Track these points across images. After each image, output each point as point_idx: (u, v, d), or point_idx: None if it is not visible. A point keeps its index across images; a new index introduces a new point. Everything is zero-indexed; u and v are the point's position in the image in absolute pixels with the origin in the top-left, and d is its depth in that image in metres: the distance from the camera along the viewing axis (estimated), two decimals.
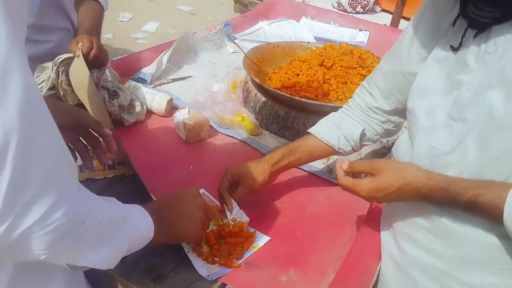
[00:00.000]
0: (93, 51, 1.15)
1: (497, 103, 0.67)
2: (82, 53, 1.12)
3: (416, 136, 0.81)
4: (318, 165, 1.21)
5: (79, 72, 1.11)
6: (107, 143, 0.87)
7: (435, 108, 0.78)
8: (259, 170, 0.98)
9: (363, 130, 1.01)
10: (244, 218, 0.94)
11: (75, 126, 0.84)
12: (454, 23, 0.78)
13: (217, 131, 1.31)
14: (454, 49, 0.76)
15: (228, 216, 0.94)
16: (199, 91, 1.43)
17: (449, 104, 0.75)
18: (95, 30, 1.29)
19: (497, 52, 0.69)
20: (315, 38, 1.95)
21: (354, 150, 1.05)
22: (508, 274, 0.71)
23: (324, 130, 1.04)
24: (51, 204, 0.47)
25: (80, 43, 1.13)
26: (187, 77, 1.59)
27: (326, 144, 1.02)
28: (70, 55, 1.15)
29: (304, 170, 1.19)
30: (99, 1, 1.41)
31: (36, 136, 0.45)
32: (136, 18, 4.65)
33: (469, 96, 0.72)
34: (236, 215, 0.94)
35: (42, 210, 0.46)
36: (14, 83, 0.42)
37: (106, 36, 3.99)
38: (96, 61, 1.17)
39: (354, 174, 0.84)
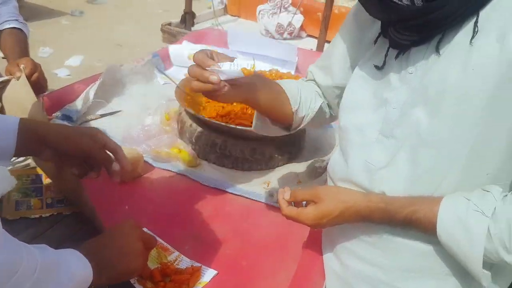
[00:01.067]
0: (36, 74, 1.10)
1: (422, 121, 0.71)
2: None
3: (350, 153, 0.84)
4: (258, 190, 1.20)
5: (20, 95, 1.04)
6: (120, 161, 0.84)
7: (366, 124, 0.81)
8: None
9: (322, 103, 1.02)
10: (238, 71, 0.78)
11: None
12: (375, 41, 0.83)
13: (153, 166, 1.27)
14: (379, 69, 0.80)
15: (221, 77, 0.77)
16: (131, 125, 1.38)
17: (379, 121, 0.79)
18: (28, 55, 1.25)
19: (417, 73, 0.73)
20: (244, 54, 1.96)
21: (300, 121, 1.01)
22: (444, 277, 0.76)
23: (292, 87, 1.00)
24: None
25: (22, 65, 1.07)
26: (117, 111, 1.53)
27: (289, 98, 0.97)
28: (5, 78, 1.08)
29: (245, 197, 1.18)
30: (21, 29, 1.36)
31: None
32: (57, 53, 4.46)
33: (397, 114, 0.75)
34: (230, 72, 0.77)
35: None
36: None
37: None
38: (37, 85, 1.13)
39: (296, 202, 0.85)
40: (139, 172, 1.21)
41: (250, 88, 0.87)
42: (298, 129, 1.03)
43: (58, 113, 1.39)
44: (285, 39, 2.93)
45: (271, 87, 0.96)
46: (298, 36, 3.01)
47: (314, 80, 1.05)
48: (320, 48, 2.39)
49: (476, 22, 0.66)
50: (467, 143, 0.67)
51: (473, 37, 0.66)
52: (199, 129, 1.33)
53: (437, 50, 0.70)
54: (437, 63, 0.70)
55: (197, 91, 0.81)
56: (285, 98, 0.97)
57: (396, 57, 0.76)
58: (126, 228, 0.79)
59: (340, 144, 0.90)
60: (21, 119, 0.78)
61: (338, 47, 0.96)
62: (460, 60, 0.67)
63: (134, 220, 0.83)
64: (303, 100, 0.99)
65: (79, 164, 0.84)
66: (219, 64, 0.77)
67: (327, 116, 1.06)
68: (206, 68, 0.77)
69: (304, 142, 1.46)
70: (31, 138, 0.78)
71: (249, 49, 2.01)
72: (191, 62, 0.81)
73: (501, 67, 0.63)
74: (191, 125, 1.36)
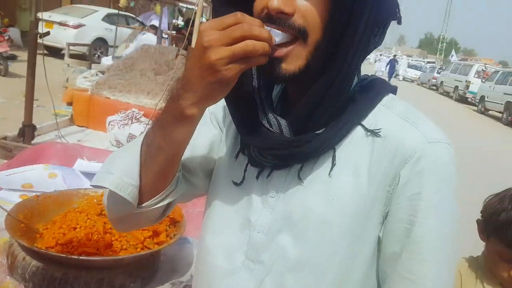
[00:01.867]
0: None
1: (288, 246, 0.71)
2: None
3: (213, 280, 0.78)
4: None
5: None
6: None
7: (232, 247, 0.77)
8: None
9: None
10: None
11: None
12: (236, 156, 0.79)
13: None
14: (237, 185, 0.77)
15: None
16: None
17: (245, 243, 0.75)
18: None
19: (279, 198, 0.73)
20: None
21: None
22: None
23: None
24: None
25: None
26: None
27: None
28: None
29: None
30: None
31: None
32: None
33: (262, 238, 0.73)
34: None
35: None
36: None
37: None
38: None
39: None
40: None
41: None
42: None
43: None
44: None
45: None
46: None
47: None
48: None
49: (334, 157, 0.70)
50: (331, 267, 0.69)
51: (331, 169, 0.70)
52: (34, 262, 1.17)
53: (299, 178, 0.71)
54: (299, 190, 0.72)
55: (254, 53, 0.60)
56: None
57: (257, 177, 0.75)
58: None
59: (201, 269, 0.82)
60: None
61: (199, 140, 0.82)
62: (321, 191, 0.70)
63: None
64: None
65: None
66: None
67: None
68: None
69: (159, 263, 1.38)
70: None
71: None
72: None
73: (356, 199, 0.68)
74: (24, 259, 1.18)
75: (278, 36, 0.64)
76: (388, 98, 0.73)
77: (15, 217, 1.28)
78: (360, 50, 0.66)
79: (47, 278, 1.15)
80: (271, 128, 0.70)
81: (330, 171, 0.70)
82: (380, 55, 35.94)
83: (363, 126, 0.71)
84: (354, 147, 0.70)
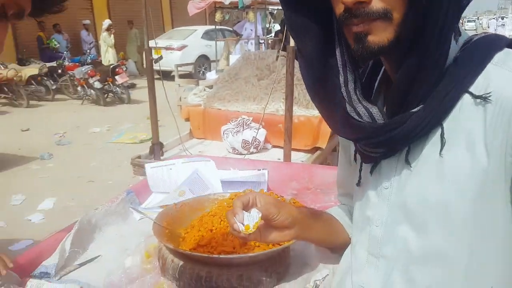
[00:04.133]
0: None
1: (410, 238, 0.68)
2: None
3: (345, 276, 0.82)
4: None
5: None
6: None
7: (355, 245, 0.80)
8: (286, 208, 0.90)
9: None
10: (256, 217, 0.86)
11: None
12: (355, 159, 0.82)
13: None
14: (358, 185, 0.80)
15: (240, 228, 0.86)
16: (111, 270, 1.34)
17: (366, 240, 0.76)
18: None
19: (392, 188, 0.71)
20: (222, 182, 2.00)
21: None
22: None
23: (341, 214, 1.01)
24: None
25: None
26: (95, 257, 1.49)
27: (343, 226, 0.99)
28: None
29: None
30: None
31: None
32: (30, 199, 4.42)
33: (382, 231, 0.73)
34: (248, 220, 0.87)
35: None
36: None
37: None
38: None
39: None
40: None
41: (301, 227, 0.89)
42: None
43: (35, 273, 1.34)
44: (252, 153, 3.05)
45: (322, 219, 0.97)
46: (264, 148, 3.15)
47: (347, 204, 1.05)
48: (287, 157, 2.49)
49: (442, 134, 0.65)
50: (461, 257, 0.64)
51: (441, 148, 0.65)
52: (181, 263, 1.30)
53: (407, 162, 0.68)
54: (411, 176, 0.68)
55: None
56: (338, 226, 0.97)
57: (371, 172, 0.75)
58: None
59: (338, 267, 0.89)
60: None
61: (339, 174, 1.00)
62: (434, 173, 0.65)
63: None
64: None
65: None
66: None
67: None
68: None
69: (290, 258, 1.44)
70: None
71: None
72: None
73: (476, 177, 0.62)
74: (172, 260, 1.33)
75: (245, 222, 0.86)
76: (501, 55, 0.64)
77: (160, 224, 1.44)
78: (451, 6, 0.60)
79: (194, 277, 1.27)
80: (360, 119, 0.68)
81: (440, 150, 0.65)
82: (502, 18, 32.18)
83: (470, 93, 0.64)
84: (463, 118, 0.64)
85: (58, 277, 1.36)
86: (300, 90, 3.22)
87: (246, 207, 0.89)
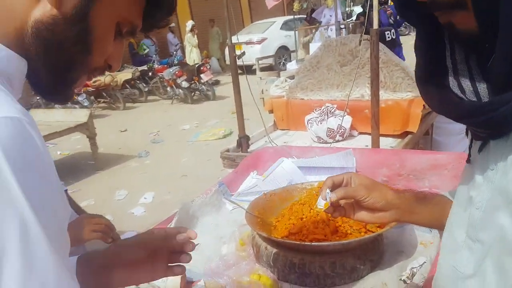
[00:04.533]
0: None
1: (506, 227, 0.63)
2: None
3: (442, 256, 0.79)
4: None
5: None
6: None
7: (454, 225, 0.77)
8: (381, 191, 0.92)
9: None
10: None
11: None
12: (467, 133, 0.77)
13: None
14: (467, 162, 0.76)
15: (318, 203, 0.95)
16: (209, 258, 1.42)
17: (466, 221, 0.73)
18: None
19: (498, 169, 0.66)
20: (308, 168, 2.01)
21: None
22: None
23: None
24: None
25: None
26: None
27: None
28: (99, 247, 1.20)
29: None
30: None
31: None
32: (131, 194, 4.80)
33: (480, 215, 0.69)
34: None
35: None
36: None
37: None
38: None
39: None
40: None
41: (400, 211, 0.90)
42: None
43: None
44: (337, 141, 3.01)
45: (432, 203, 0.93)
46: (351, 136, 3.08)
47: None
48: (375, 144, 2.42)
49: None
50: None
51: None
52: (275, 250, 1.34)
53: None
54: None
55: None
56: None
57: (479, 150, 0.70)
58: None
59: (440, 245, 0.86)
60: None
61: None
62: None
63: None
64: None
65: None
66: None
67: None
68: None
69: (384, 245, 1.41)
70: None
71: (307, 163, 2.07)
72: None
73: None
74: (266, 248, 1.37)
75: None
76: None
77: (252, 213, 1.49)
78: None
79: (287, 264, 1.30)
80: (463, 96, 0.64)
81: None
82: None
83: None
84: None
85: None
86: (386, 73, 3.10)
87: (337, 187, 0.93)
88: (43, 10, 0.58)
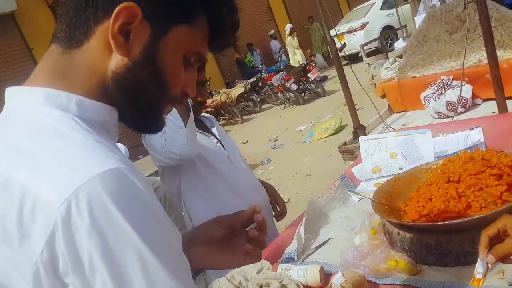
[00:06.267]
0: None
1: None
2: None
3: None
4: (494, 282, 1.11)
5: None
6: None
7: None
8: None
9: None
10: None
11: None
12: None
13: (376, 283, 1.30)
14: None
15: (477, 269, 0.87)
16: (344, 250, 1.47)
17: None
18: None
19: None
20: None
21: None
22: None
23: None
24: None
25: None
26: (327, 240, 1.66)
27: None
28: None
29: None
30: None
31: None
32: None
33: None
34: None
35: None
36: None
37: None
38: None
39: None
40: None
41: None
42: None
43: (282, 259, 1.59)
44: (460, 113, 2.82)
45: None
46: (474, 105, 2.87)
47: None
48: (502, 109, 2.23)
49: None
50: None
51: None
52: (408, 235, 1.34)
53: None
54: None
55: None
56: None
57: None
58: None
59: None
60: None
61: None
62: None
63: None
64: None
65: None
66: None
67: None
68: None
69: None
70: None
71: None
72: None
73: None
74: (398, 233, 1.38)
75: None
76: None
77: (379, 201, 1.51)
78: None
79: (423, 246, 1.30)
80: None
81: None
82: None
83: None
84: None
85: (301, 261, 1.57)
86: (502, 31, 2.81)
87: (495, 240, 0.86)
88: (116, 61, 0.63)
